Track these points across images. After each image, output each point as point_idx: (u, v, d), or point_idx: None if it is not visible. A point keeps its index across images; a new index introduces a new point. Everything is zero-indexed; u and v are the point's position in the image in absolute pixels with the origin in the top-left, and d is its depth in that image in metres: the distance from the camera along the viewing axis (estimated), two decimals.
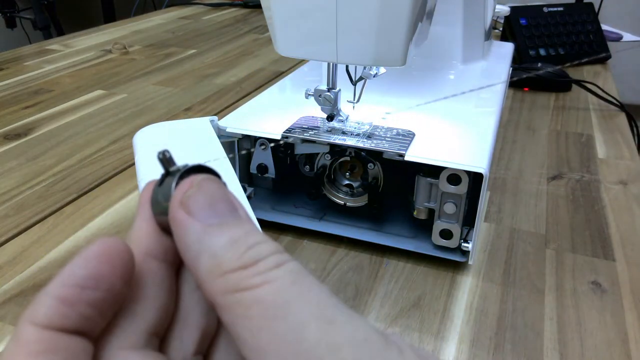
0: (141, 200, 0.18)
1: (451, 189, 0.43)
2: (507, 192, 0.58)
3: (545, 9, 1.04)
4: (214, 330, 0.18)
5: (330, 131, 0.47)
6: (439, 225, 0.45)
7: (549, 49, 1.01)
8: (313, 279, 0.16)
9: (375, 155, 0.46)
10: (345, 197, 0.50)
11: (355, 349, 0.14)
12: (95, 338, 0.16)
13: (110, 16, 2.56)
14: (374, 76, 0.46)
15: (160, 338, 0.18)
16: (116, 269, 0.16)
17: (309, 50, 0.42)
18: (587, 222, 0.53)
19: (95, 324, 0.16)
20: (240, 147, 0.49)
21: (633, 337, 0.39)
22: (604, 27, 1.10)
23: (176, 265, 0.18)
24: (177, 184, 0.17)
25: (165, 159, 0.18)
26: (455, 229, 0.45)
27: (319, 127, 0.47)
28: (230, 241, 0.16)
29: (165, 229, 0.18)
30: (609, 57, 1.06)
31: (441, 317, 0.41)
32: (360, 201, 0.49)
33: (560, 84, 0.91)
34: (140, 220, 0.18)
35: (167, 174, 0.18)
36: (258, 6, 1.47)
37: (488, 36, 0.70)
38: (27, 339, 0.15)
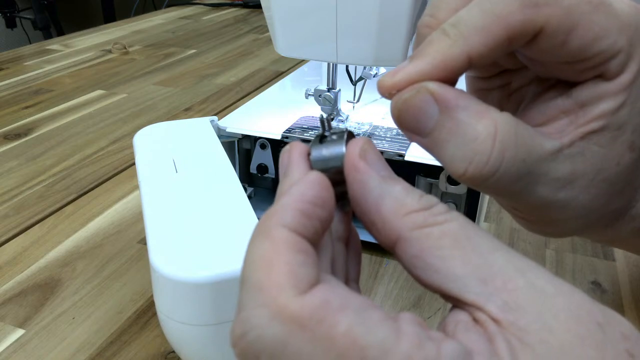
0: (292, 158, 0.20)
1: (451, 189, 0.43)
2: None
3: None
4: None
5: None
6: None
7: None
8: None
9: None
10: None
11: (534, 271, 0.17)
12: None
13: (110, 16, 2.56)
14: (374, 76, 0.46)
15: None
16: (331, 195, 0.18)
17: (309, 50, 0.42)
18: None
19: (317, 242, 0.18)
20: (240, 147, 0.49)
21: None
22: None
23: None
24: (346, 142, 0.20)
25: (327, 121, 0.21)
26: None
27: (318, 127, 0.47)
28: (404, 189, 0.18)
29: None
30: None
31: (441, 317, 0.41)
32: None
33: None
34: (298, 173, 0.19)
35: (323, 135, 0.20)
36: (258, 6, 1.47)
37: None
38: (285, 238, 0.16)
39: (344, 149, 0.19)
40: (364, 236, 0.48)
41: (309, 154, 0.20)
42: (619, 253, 0.48)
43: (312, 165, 0.20)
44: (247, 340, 0.15)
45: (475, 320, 0.16)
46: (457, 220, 0.17)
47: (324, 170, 0.20)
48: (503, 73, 0.26)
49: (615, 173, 0.23)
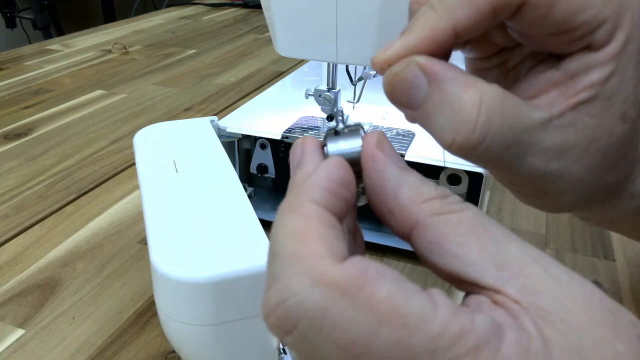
0: (305, 149, 0.20)
1: (451, 189, 0.43)
2: (507, 192, 0.58)
3: None
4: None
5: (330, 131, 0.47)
6: None
7: None
8: None
9: None
10: None
11: (547, 261, 0.17)
12: None
13: (110, 16, 2.56)
14: (374, 76, 0.46)
15: None
16: (354, 178, 0.19)
17: (309, 50, 0.42)
18: (587, 222, 0.53)
19: (342, 221, 0.18)
20: (240, 147, 0.49)
21: None
22: None
23: None
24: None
25: (341, 115, 0.22)
26: None
27: (319, 127, 0.47)
28: (420, 179, 0.19)
29: None
30: None
31: None
32: (361, 201, 0.49)
33: None
34: (313, 164, 0.20)
35: (335, 130, 0.21)
36: (258, 6, 1.47)
37: None
38: (317, 213, 0.17)
39: (360, 140, 0.20)
40: (365, 236, 0.48)
41: (322, 147, 0.21)
42: (619, 253, 0.48)
43: (328, 156, 0.20)
44: (285, 307, 0.15)
45: (495, 302, 0.17)
46: (471, 209, 0.18)
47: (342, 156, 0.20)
48: (500, 52, 0.27)
49: (607, 144, 0.23)
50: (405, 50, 0.21)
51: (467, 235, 0.17)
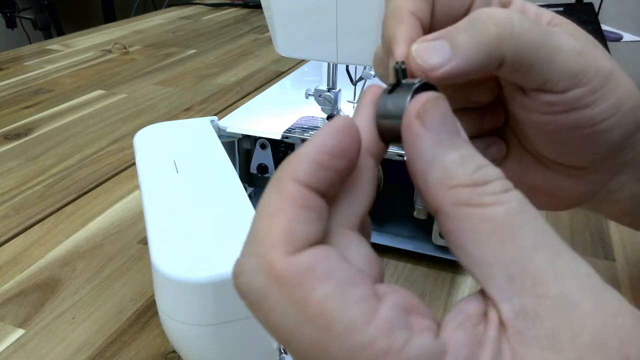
0: (363, 101, 0.20)
1: None
2: None
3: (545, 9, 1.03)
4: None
5: None
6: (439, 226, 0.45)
7: None
8: (536, 210, 0.17)
9: None
10: None
11: (579, 281, 0.15)
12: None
13: (110, 16, 2.56)
14: (374, 76, 0.46)
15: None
16: (355, 144, 0.18)
17: (309, 50, 0.42)
18: (587, 222, 0.53)
19: (333, 192, 0.18)
20: (240, 147, 0.49)
21: None
22: (604, 27, 1.10)
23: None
24: (412, 96, 0.18)
25: (401, 70, 0.20)
26: None
27: (319, 127, 0.47)
28: (460, 158, 0.17)
29: (383, 132, 0.19)
30: None
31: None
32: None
33: None
34: (362, 119, 0.19)
35: (398, 85, 0.19)
36: (258, 6, 1.47)
37: None
38: (291, 193, 0.16)
39: (407, 104, 0.18)
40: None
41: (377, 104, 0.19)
42: (619, 253, 0.48)
43: (377, 115, 0.19)
44: (238, 282, 0.17)
45: (483, 315, 0.16)
46: (507, 204, 0.16)
47: (384, 124, 0.19)
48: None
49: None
50: (407, 44, 0.22)
51: (487, 234, 0.16)
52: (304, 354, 0.16)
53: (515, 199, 0.16)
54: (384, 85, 0.20)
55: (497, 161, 0.29)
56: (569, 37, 0.24)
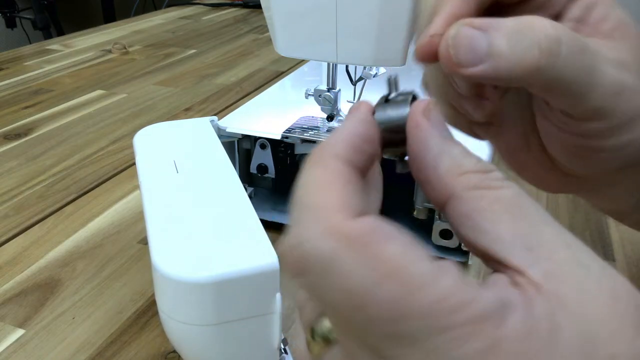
0: (356, 112, 0.21)
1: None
2: None
3: None
4: None
5: (330, 131, 0.47)
6: (439, 225, 0.45)
7: None
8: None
9: None
10: None
11: (584, 249, 0.17)
12: None
13: (110, 16, 2.56)
14: (374, 76, 0.46)
15: None
16: (378, 133, 0.20)
17: (309, 50, 0.42)
18: (587, 222, 0.53)
19: (365, 175, 0.19)
20: (240, 147, 0.49)
21: None
22: None
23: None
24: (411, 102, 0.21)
25: (394, 82, 0.22)
26: None
27: (319, 127, 0.47)
28: (463, 151, 0.19)
29: (386, 135, 0.21)
30: None
31: None
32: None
33: None
34: (355, 124, 0.20)
35: (388, 96, 0.21)
36: (258, 6, 1.47)
37: None
38: (337, 168, 0.18)
39: (408, 108, 0.20)
40: None
41: (373, 113, 0.21)
42: (619, 253, 0.48)
43: (378, 122, 0.21)
44: (299, 252, 0.16)
45: (515, 283, 0.17)
46: (512, 188, 0.18)
47: (386, 129, 0.20)
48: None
49: None
50: (448, 19, 0.22)
51: (501, 213, 0.17)
52: (382, 314, 0.15)
53: (515, 185, 0.18)
54: (369, 103, 0.22)
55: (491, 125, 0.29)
56: (615, 68, 0.23)
